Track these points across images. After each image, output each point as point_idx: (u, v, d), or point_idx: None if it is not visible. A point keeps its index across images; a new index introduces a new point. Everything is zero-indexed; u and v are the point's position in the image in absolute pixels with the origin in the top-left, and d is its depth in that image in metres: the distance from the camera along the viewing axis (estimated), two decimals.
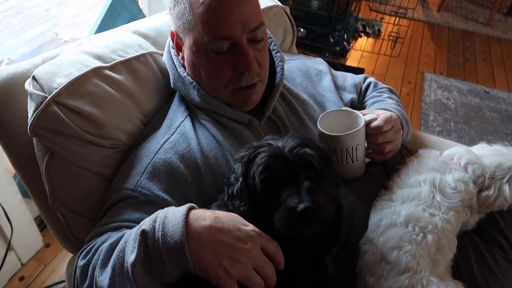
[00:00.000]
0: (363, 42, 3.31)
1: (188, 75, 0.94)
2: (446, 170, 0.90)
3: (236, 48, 0.85)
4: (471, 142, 2.35)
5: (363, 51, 3.19)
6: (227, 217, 0.67)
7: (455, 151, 0.97)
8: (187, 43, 0.88)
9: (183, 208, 0.66)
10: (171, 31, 0.94)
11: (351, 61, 3.07)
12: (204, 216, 0.65)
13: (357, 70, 2.90)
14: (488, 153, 0.97)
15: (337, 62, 2.97)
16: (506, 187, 0.90)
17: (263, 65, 0.91)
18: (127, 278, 0.65)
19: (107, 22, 1.75)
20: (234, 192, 0.72)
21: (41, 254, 1.66)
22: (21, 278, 1.58)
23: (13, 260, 1.58)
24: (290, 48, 1.35)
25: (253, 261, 0.64)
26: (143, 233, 0.64)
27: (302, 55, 1.27)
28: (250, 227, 0.66)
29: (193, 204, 0.68)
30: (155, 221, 0.65)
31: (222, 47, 0.84)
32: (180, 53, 0.95)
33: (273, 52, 1.02)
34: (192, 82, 0.92)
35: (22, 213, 1.53)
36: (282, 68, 1.01)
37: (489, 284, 0.85)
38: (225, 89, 0.89)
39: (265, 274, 0.65)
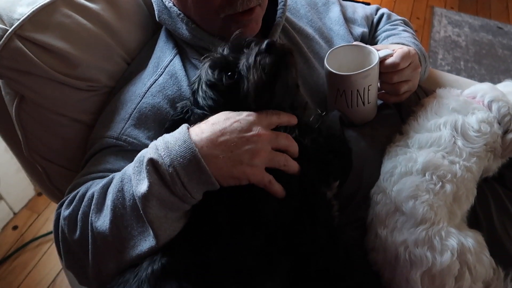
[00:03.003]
0: None
1: (174, 5, 0.80)
2: (468, 111, 0.81)
3: None
4: (481, 82, 2.22)
5: None
6: (220, 117, 0.62)
7: (478, 88, 0.87)
8: None
9: (182, 129, 0.61)
10: None
11: None
12: (202, 129, 0.60)
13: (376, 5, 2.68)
14: None
15: None
16: None
17: None
18: (131, 216, 0.59)
19: None
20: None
21: (34, 202, 1.62)
22: (15, 227, 1.54)
23: (4, 209, 1.54)
24: None
25: (267, 141, 0.61)
26: (152, 161, 0.57)
27: None
28: (244, 113, 0.62)
29: (186, 124, 0.63)
30: (157, 149, 0.59)
31: None
32: None
33: None
34: (180, 14, 0.79)
35: (8, 162, 1.45)
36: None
37: (509, 234, 0.79)
38: (217, 16, 0.76)
39: (284, 145, 0.63)
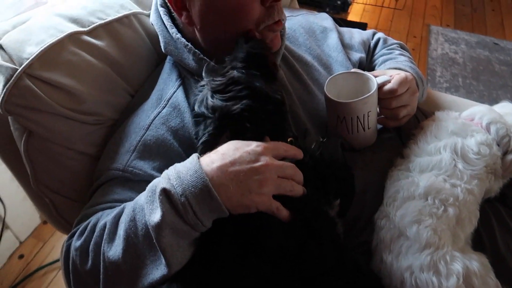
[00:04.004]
0: None
1: (182, 36, 0.82)
2: (467, 133, 0.82)
3: None
4: (480, 98, 2.24)
5: (366, 4, 3.01)
6: (229, 147, 0.63)
7: (475, 110, 0.88)
8: None
9: (192, 159, 0.62)
10: None
11: (353, 16, 2.91)
12: (212, 159, 0.62)
13: (359, 25, 2.74)
14: None
15: (338, 17, 2.80)
16: None
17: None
18: (144, 245, 0.60)
19: None
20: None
21: (39, 231, 1.62)
22: (21, 256, 1.54)
23: (10, 238, 1.54)
24: (291, 3, 1.23)
25: (275, 171, 0.62)
26: (165, 191, 0.59)
27: (305, 10, 1.14)
28: (253, 144, 0.64)
29: (196, 154, 0.64)
30: (169, 179, 0.60)
31: None
32: (184, 14, 0.80)
33: None
34: (187, 45, 0.81)
35: (15, 190, 1.46)
36: (283, 28, 0.89)
37: None
38: (255, 29, 0.78)
39: (289, 175, 0.64)
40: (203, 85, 0.70)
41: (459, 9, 3.05)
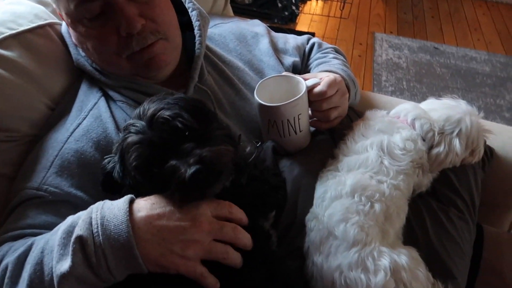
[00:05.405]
0: (313, 5, 3.20)
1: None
2: (393, 130, 0.84)
3: (111, 7, 0.71)
4: (423, 99, 2.31)
5: (313, 14, 3.09)
6: (163, 198, 0.58)
7: (401, 108, 0.91)
8: (64, 17, 0.76)
9: (123, 204, 0.57)
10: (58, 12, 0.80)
11: (301, 26, 2.97)
12: (139, 207, 0.57)
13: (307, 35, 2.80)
14: (437, 107, 0.91)
15: (287, 28, 2.85)
16: (456, 142, 0.84)
17: (160, 19, 0.77)
18: None
19: None
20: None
21: None
22: None
23: None
24: (223, 11, 1.22)
25: (207, 233, 0.57)
26: (80, 240, 0.54)
27: (237, 18, 1.14)
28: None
29: (132, 196, 0.59)
30: (90, 223, 0.55)
31: (93, 10, 0.71)
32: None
33: (189, 11, 0.89)
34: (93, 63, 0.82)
35: None
36: (201, 29, 0.87)
37: (446, 247, 0.81)
38: (119, 57, 0.76)
39: (229, 237, 0.59)
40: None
41: (401, 17, 3.19)
